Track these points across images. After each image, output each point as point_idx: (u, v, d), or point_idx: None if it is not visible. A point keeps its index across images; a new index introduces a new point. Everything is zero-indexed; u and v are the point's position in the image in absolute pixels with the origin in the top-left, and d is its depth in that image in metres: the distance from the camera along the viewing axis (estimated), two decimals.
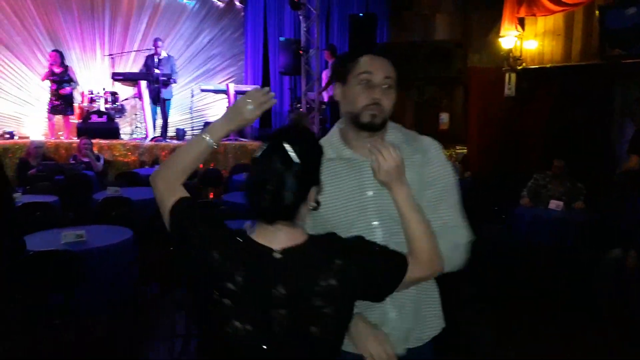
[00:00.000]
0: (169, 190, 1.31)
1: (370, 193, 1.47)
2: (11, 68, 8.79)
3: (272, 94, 1.39)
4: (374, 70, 1.45)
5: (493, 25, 7.02)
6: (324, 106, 8.40)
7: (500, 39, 6.03)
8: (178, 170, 1.33)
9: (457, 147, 7.26)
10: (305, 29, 8.16)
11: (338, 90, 1.52)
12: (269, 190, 1.13)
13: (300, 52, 7.94)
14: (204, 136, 1.33)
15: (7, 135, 8.25)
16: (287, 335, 1.13)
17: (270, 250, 1.15)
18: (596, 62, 5.18)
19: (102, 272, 3.40)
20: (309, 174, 1.19)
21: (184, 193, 1.31)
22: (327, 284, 1.14)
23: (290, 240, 1.17)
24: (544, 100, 5.76)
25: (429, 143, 1.58)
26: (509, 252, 4.51)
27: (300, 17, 8.22)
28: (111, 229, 3.95)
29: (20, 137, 8.40)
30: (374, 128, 1.47)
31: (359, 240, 1.28)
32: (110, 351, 3.43)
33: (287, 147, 1.14)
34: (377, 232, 1.45)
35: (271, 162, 1.14)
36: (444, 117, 7.41)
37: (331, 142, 1.55)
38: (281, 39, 9.10)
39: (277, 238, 1.17)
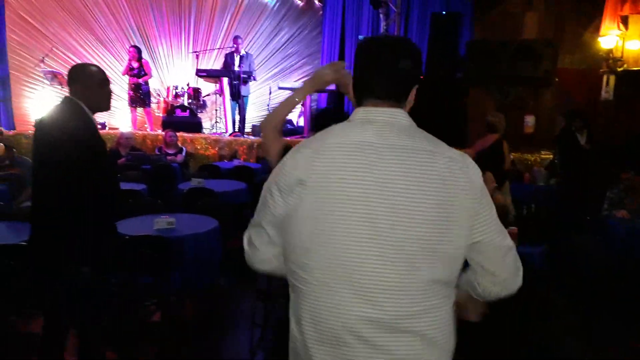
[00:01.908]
0: (273, 136, 1.86)
1: None
2: (104, 62, 9.38)
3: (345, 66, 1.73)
4: None
5: (589, 24, 6.60)
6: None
7: (599, 39, 5.63)
8: (277, 120, 1.89)
9: (543, 152, 6.90)
10: (384, 27, 8.07)
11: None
12: None
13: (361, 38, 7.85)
14: (293, 95, 1.88)
15: (99, 126, 8.80)
16: None
17: None
18: None
19: (189, 258, 3.54)
20: None
21: (284, 141, 1.84)
22: None
23: None
24: None
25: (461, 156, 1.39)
26: (602, 264, 4.22)
27: (380, 15, 8.14)
28: (198, 218, 4.09)
29: (110, 128, 8.95)
30: None
31: None
32: (192, 334, 3.57)
33: None
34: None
35: None
36: (530, 120, 7.06)
37: None
38: (360, 37, 9.06)
39: None
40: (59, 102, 2.47)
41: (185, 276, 3.54)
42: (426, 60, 7.90)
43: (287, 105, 1.90)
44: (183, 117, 8.86)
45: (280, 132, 1.90)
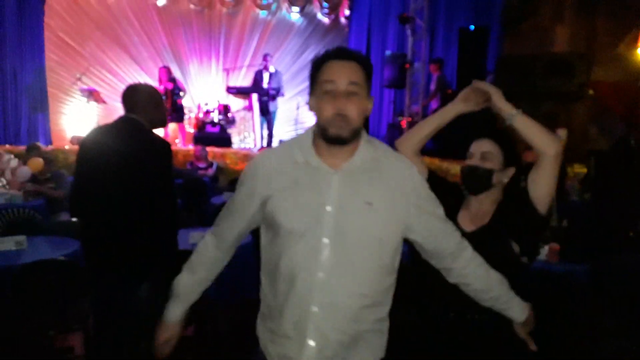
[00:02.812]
0: (415, 161, 1.68)
1: (329, 208, 1.36)
2: (138, 80, 9.65)
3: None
4: (337, 77, 1.35)
5: (623, 36, 6.50)
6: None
7: (638, 50, 5.53)
8: (416, 140, 1.78)
9: (576, 166, 6.77)
10: (411, 43, 8.10)
11: (310, 101, 1.44)
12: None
13: (407, 65, 7.89)
14: (439, 115, 1.76)
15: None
16: None
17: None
18: None
19: (224, 272, 3.56)
20: None
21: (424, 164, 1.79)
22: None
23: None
24: None
25: (405, 161, 1.49)
26: None
27: (408, 31, 8.18)
28: None
29: None
30: (341, 142, 1.36)
31: None
32: (226, 347, 3.58)
33: None
34: (325, 250, 1.35)
35: None
36: (562, 133, 6.95)
37: (301, 145, 1.44)
38: (387, 52, 9.12)
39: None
40: (117, 121, 2.55)
41: (220, 289, 3.56)
42: (456, 76, 7.90)
43: (430, 124, 1.75)
44: (213, 132, 9.03)
45: (419, 154, 1.78)
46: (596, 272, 3.59)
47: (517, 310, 1.54)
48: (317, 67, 1.41)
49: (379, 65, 9.87)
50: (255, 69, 9.19)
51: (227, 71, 9.58)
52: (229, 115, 9.45)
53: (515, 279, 1.55)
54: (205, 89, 10.22)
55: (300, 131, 8.10)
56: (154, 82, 9.60)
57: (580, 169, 6.77)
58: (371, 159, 1.42)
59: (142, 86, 2.70)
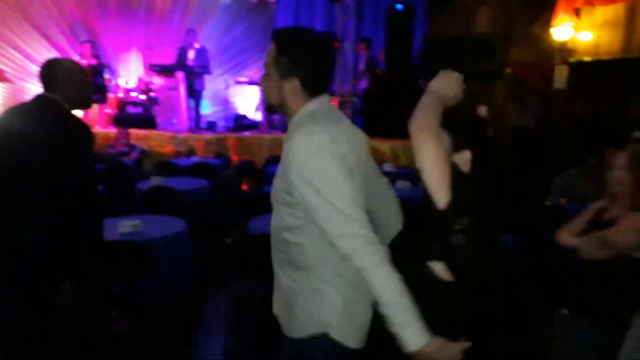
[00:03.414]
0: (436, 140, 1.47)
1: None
2: (49, 57, 8.87)
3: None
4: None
5: (538, 18, 6.85)
6: (355, 98, 8.33)
7: (552, 30, 5.83)
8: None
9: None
10: (341, 22, 8.07)
11: None
12: None
13: (337, 44, 7.85)
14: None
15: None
16: None
17: None
18: None
19: (158, 263, 3.40)
20: None
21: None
22: None
23: None
24: (599, 94, 5.59)
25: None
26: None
27: (336, 10, 8.13)
28: (164, 219, 3.95)
29: None
30: (270, 111, 1.63)
31: None
32: (163, 342, 3.44)
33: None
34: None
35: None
36: (482, 110, 7.25)
37: None
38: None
39: None
40: (32, 101, 2.29)
41: (155, 282, 3.40)
42: (385, 56, 7.98)
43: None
44: (135, 113, 8.54)
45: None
46: (523, 241, 3.81)
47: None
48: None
49: None
50: (179, 45, 8.76)
51: (148, 48, 9.05)
52: (152, 94, 8.97)
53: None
54: (124, 67, 9.61)
55: (230, 112, 7.84)
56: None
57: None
58: (293, 128, 1.54)
59: (64, 61, 2.45)
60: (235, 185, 6.83)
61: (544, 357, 2.29)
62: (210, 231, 5.07)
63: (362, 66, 8.04)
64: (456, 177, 1.43)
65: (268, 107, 1.59)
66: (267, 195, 4.80)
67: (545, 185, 4.75)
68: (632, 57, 5.37)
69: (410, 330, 1.32)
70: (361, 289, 1.45)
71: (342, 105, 8.10)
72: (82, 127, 2.33)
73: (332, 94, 8.49)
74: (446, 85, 1.46)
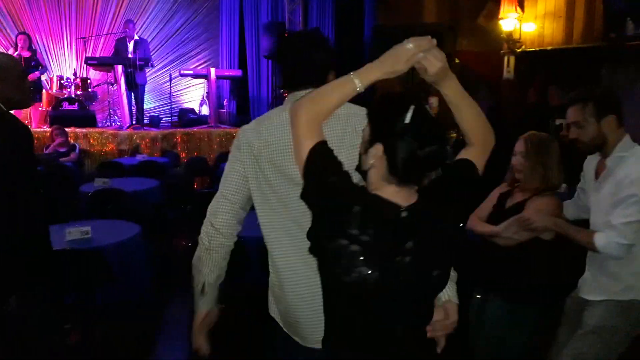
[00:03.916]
0: (310, 127, 1.24)
1: None
2: None
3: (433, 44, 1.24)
4: None
5: (481, 8, 6.99)
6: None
7: (500, 22, 5.97)
8: (322, 109, 1.26)
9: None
10: (289, 11, 7.90)
11: None
12: (432, 151, 1.15)
13: (286, 35, 7.69)
14: (352, 77, 1.22)
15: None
16: (411, 279, 1.19)
17: (398, 207, 1.18)
18: (598, 45, 5.21)
19: (112, 270, 3.15)
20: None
21: (322, 137, 1.25)
22: (447, 233, 1.22)
23: (411, 198, 1.21)
24: (543, 83, 5.79)
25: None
26: None
27: (285, 0, 7.95)
28: (115, 223, 3.67)
29: None
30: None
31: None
32: (121, 354, 3.21)
33: (429, 109, 1.18)
34: None
35: (429, 125, 1.15)
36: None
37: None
38: (265, 22, 8.81)
39: (401, 196, 1.19)
40: None
41: (110, 290, 3.15)
42: (334, 45, 7.89)
43: (340, 92, 1.25)
44: (72, 110, 7.98)
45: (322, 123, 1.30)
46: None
47: None
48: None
49: (255, 34, 9.52)
50: (117, 37, 8.29)
51: (83, 40, 8.49)
52: (89, 90, 8.44)
53: None
54: (56, 62, 8.98)
55: (174, 106, 7.46)
56: None
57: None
58: (342, 114, 1.53)
59: None
60: (187, 184, 6.55)
61: (466, 342, 2.32)
62: (164, 233, 4.81)
63: None
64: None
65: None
66: None
67: (500, 174, 4.88)
68: (573, 47, 5.60)
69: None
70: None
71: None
72: (21, 129, 2.09)
73: (282, 86, 8.33)
74: (393, 59, 1.21)
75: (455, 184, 1.27)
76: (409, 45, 1.20)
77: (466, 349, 2.31)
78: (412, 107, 1.14)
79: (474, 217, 2.27)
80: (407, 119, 1.13)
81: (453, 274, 1.44)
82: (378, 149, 1.18)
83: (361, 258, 1.15)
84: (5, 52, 7.64)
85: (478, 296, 2.32)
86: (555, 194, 2.17)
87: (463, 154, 1.33)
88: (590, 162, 2.16)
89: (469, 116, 1.31)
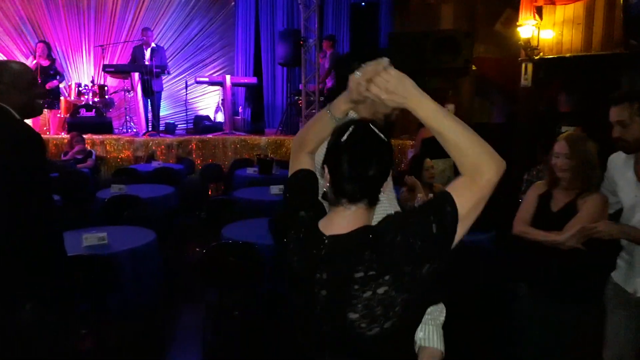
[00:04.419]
0: (296, 155, 1.37)
1: None
2: None
3: (384, 65, 1.13)
4: None
5: (499, 15, 6.91)
6: (322, 98, 8.20)
7: (518, 29, 5.90)
8: (305, 139, 1.37)
9: None
10: (305, 19, 7.91)
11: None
12: (366, 170, 1.12)
13: (301, 42, 7.69)
14: (326, 110, 1.31)
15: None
16: (326, 317, 1.13)
17: (322, 235, 1.15)
18: (618, 52, 5.12)
19: (128, 276, 3.14)
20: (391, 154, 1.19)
21: (306, 164, 1.34)
22: (364, 273, 1.07)
23: (348, 226, 1.14)
24: (561, 91, 5.69)
25: None
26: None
27: (300, 7, 7.96)
28: (131, 230, 3.67)
29: None
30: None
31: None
32: (135, 359, 3.19)
33: (374, 128, 1.15)
34: None
35: (364, 143, 1.13)
36: (450, 108, 7.27)
37: None
38: (280, 29, 8.84)
39: (347, 221, 1.14)
40: None
41: (124, 297, 3.14)
42: (349, 52, 7.87)
43: (318, 123, 1.34)
44: (89, 117, 8.07)
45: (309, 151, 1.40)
46: (499, 238, 3.80)
47: None
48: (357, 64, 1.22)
49: (270, 42, 9.57)
50: (134, 45, 8.38)
51: (101, 48, 8.60)
52: (106, 97, 8.53)
53: None
54: (75, 68, 9.11)
55: (189, 113, 7.51)
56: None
57: None
58: None
59: (10, 63, 2.19)
60: (201, 191, 6.56)
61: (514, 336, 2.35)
62: (178, 240, 4.81)
63: (327, 64, 7.91)
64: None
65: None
66: (238, 201, 4.57)
67: (516, 181, 4.78)
68: (592, 54, 5.51)
69: None
70: None
71: (308, 105, 7.95)
72: (33, 137, 2.08)
73: (297, 93, 8.32)
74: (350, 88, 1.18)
75: (418, 224, 1.09)
76: (357, 73, 1.15)
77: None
78: (351, 127, 1.14)
79: (519, 221, 2.27)
80: (344, 138, 1.13)
81: (436, 313, 1.41)
82: (326, 171, 1.18)
83: (293, 284, 1.21)
84: (17, 59, 7.78)
85: (523, 286, 2.31)
86: (600, 191, 2.19)
87: (450, 185, 1.14)
88: (619, 163, 2.16)
89: (452, 141, 1.10)
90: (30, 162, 2.05)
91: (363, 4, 7.72)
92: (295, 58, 7.94)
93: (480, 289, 3.29)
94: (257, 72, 9.77)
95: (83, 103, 8.23)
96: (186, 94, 8.96)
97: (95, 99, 8.32)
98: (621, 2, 5.04)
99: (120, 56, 9.27)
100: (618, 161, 2.18)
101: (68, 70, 9.08)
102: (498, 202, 4.05)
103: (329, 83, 7.94)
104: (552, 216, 2.19)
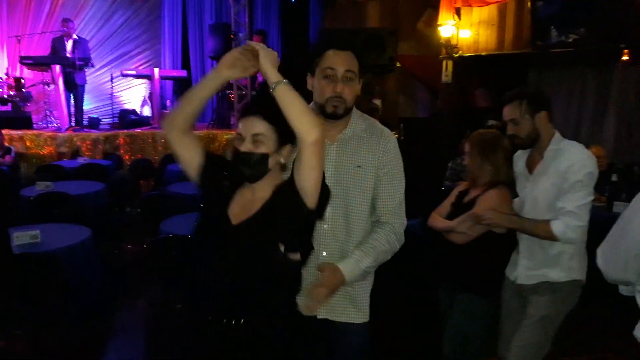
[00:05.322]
0: (186, 143, 1.51)
1: (328, 172, 1.66)
2: None
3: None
4: (337, 64, 1.64)
5: (421, 14, 7.33)
6: (253, 92, 8.25)
7: (439, 28, 6.31)
8: (184, 118, 1.49)
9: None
10: (234, 13, 7.91)
11: (309, 81, 1.73)
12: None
13: (232, 36, 7.70)
14: (202, 85, 1.50)
15: None
16: None
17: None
18: (527, 51, 5.64)
19: (66, 275, 3.09)
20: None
21: (203, 148, 1.53)
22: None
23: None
24: (478, 86, 6.17)
25: (388, 134, 1.80)
26: None
27: (230, 1, 7.95)
28: (64, 227, 3.59)
29: None
30: (337, 117, 1.69)
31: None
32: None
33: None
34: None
35: None
36: (377, 103, 7.62)
37: None
38: (209, 22, 8.76)
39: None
40: None
41: (61, 295, 3.09)
42: (280, 47, 7.99)
43: (194, 100, 1.47)
44: (5, 111, 7.59)
45: (189, 132, 1.52)
46: (423, 223, 4.09)
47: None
48: (318, 53, 1.68)
49: (199, 35, 9.45)
50: (53, 36, 7.95)
51: (16, 39, 8.09)
52: (23, 90, 8.04)
53: (282, 279, 1.46)
54: None
55: (117, 106, 7.34)
56: None
57: (395, 135, 7.54)
58: (362, 130, 1.76)
59: None
60: (132, 187, 6.41)
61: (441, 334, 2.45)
62: (114, 236, 4.72)
63: None
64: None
65: (343, 113, 1.69)
66: (173, 196, 4.56)
67: (441, 170, 5.15)
68: (504, 53, 6.03)
69: None
70: None
71: (240, 99, 7.97)
72: None
73: (228, 87, 8.31)
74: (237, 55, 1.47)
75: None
76: (251, 42, 1.47)
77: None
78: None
79: (434, 214, 2.41)
80: None
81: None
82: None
83: None
84: None
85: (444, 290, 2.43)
86: (506, 187, 2.28)
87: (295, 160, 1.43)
88: (519, 158, 2.29)
89: (293, 116, 1.36)
90: None
91: (293, 1, 7.85)
92: (225, 51, 7.88)
93: (409, 278, 3.48)
94: (185, 66, 9.61)
95: None
96: (111, 87, 8.65)
97: (11, 92, 7.83)
98: (529, 5, 5.56)
99: (36, 48, 8.76)
100: (517, 155, 2.31)
101: None
102: (424, 189, 4.38)
103: (260, 77, 8.00)
104: (460, 209, 2.32)
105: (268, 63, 1.39)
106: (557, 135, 2.15)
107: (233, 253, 1.45)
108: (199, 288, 1.53)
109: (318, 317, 1.72)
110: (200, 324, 1.51)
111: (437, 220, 2.40)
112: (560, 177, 2.05)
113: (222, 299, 1.46)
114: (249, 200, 1.51)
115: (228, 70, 1.45)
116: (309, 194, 1.41)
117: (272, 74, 1.38)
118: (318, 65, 1.66)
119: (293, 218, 1.44)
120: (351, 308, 1.77)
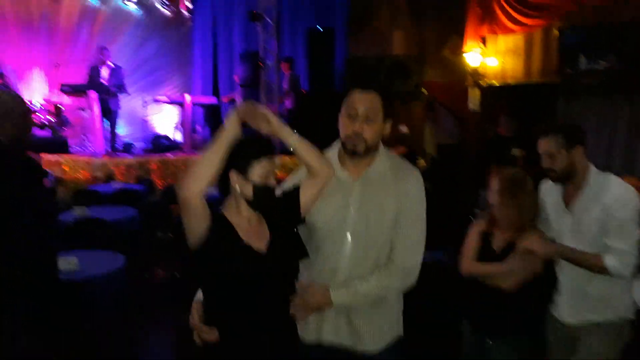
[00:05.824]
0: (203, 204, 1.63)
1: (352, 210, 1.79)
2: None
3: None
4: (358, 104, 1.72)
5: (446, 41, 7.40)
6: (281, 118, 8.40)
7: (464, 55, 6.36)
8: (205, 181, 1.62)
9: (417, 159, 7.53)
10: (263, 41, 8.13)
11: (339, 119, 1.81)
12: None
13: (261, 64, 7.90)
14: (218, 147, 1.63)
15: None
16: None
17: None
18: (554, 80, 5.62)
19: (101, 302, 3.20)
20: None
21: (202, 211, 1.64)
22: None
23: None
24: (503, 115, 6.18)
25: (410, 174, 1.85)
26: None
27: (258, 29, 8.18)
28: (100, 254, 3.71)
29: None
30: (357, 154, 1.76)
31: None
32: None
33: None
34: (346, 244, 1.79)
35: None
36: (403, 129, 7.67)
37: (331, 159, 1.84)
38: (237, 50, 9.01)
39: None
40: None
41: (98, 322, 3.20)
42: (307, 75, 8.15)
43: (212, 162, 1.61)
44: (43, 137, 7.92)
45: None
46: (454, 253, 4.03)
47: None
48: (346, 94, 1.78)
49: (228, 63, 9.70)
50: (90, 64, 8.29)
51: (56, 66, 8.47)
52: (61, 115, 8.38)
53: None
54: (26, 88, 8.88)
55: (148, 132, 7.51)
56: None
57: (421, 164, 7.55)
58: (387, 168, 1.82)
59: (2, 95, 2.27)
60: (163, 211, 6.56)
61: None
62: (146, 262, 4.84)
63: (285, 86, 8.14)
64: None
65: (364, 150, 1.76)
66: None
67: (472, 197, 5.12)
68: (532, 83, 6.02)
69: None
70: None
71: None
72: (30, 165, 2.19)
73: None
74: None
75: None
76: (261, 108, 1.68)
77: None
78: None
79: (467, 259, 2.30)
80: None
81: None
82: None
83: None
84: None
85: (489, 342, 2.25)
86: (537, 227, 2.23)
87: (303, 183, 1.75)
88: (551, 191, 2.25)
89: (306, 157, 1.71)
90: (26, 190, 2.14)
91: (320, 29, 8.03)
92: (254, 79, 8.13)
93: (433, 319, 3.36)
94: (215, 92, 9.86)
95: (37, 122, 8.04)
96: (143, 113, 8.93)
97: (50, 118, 8.17)
98: (556, 33, 5.57)
99: (73, 74, 9.13)
100: (548, 187, 2.27)
101: (18, 89, 8.85)
102: (453, 219, 4.33)
103: (288, 104, 8.17)
104: (494, 255, 2.23)
105: (281, 127, 1.64)
106: (593, 168, 2.14)
107: (267, 279, 1.65)
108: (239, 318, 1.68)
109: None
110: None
111: (476, 265, 2.27)
112: (604, 212, 2.05)
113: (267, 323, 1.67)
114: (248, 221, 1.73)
115: (238, 127, 1.62)
116: (306, 207, 1.75)
117: (287, 135, 1.66)
118: (344, 104, 1.77)
119: (287, 220, 1.75)
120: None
